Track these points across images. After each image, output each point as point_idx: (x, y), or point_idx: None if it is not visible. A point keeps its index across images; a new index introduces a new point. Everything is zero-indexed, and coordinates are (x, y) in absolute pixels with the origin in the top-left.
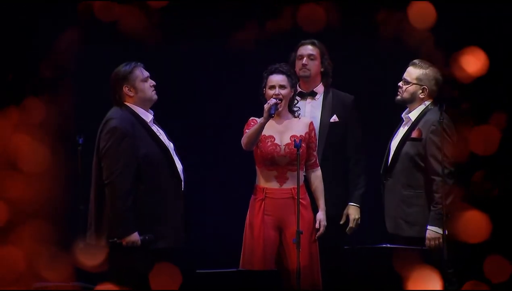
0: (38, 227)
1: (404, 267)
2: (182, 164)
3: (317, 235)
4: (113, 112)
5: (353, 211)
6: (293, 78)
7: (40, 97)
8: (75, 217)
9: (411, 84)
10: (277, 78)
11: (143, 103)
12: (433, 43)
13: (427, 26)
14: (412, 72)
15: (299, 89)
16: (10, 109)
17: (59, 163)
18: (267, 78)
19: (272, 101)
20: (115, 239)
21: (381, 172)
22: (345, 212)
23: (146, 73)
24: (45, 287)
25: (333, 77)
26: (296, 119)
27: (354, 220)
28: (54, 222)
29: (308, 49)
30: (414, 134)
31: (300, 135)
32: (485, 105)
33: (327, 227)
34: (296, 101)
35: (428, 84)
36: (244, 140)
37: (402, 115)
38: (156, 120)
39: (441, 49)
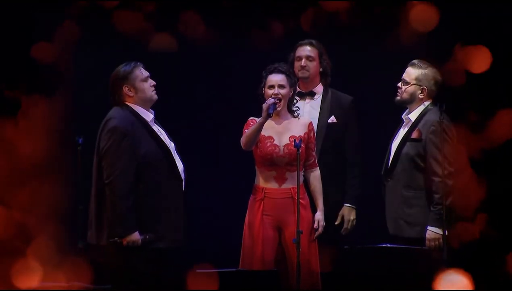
0: (45, 229)
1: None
2: (183, 164)
3: (315, 235)
4: (114, 112)
5: (348, 212)
6: (292, 77)
7: (39, 99)
8: (75, 217)
9: (410, 84)
10: (276, 78)
11: (143, 103)
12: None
13: (428, 28)
14: (411, 72)
15: (298, 89)
16: (10, 112)
17: (59, 164)
18: (266, 77)
19: (271, 101)
20: (116, 238)
21: (382, 173)
22: (340, 212)
23: (146, 73)
24: (44, 287)
25: (333, 77)
26: (295, 120)
27: (349, 221)
28: (55, 222)
29: (306, 50)
30: (414, 135)
31: (299, 136)
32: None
33: (326, 227)
34: (295, 101)
35: (427, 84)
36: (243, 140)
37: (402, 116)
38: (157, 119)
39: (441, 49)
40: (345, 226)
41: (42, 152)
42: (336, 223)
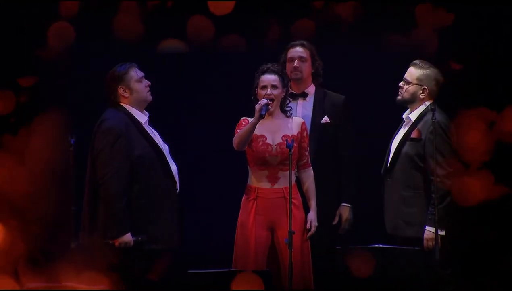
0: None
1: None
2: (176, 165)
3: (308, 235)
4: (108, 113)
5: (345, 211)
6: (285, 78)
7: (33, 99)
8: (67, 218)
9: (411, 84)
10: (269, 78)
11: (138, 104)
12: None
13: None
14: (413, 72)
15: (290, 90)
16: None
17: (53, 164)
18: (259, 78)
19: (263, 101)
20: (109, 239)
21: (381, 172)
22: (337, 212)
23: (141, 74)
24: (37, 287)
25: (325, 77)
26: (288, 119)
27: (346, 220)
28: (47, 223)
29: (298, 51)
30: (414, 134)
31: (292, 135)
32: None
33: (319, 227)
34: (288, 101)
35: (428, 84)
36: (235, 140)
37: (403, 116)
38: (151, 122)
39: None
40: (342, 225)
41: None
42: (334, 222)
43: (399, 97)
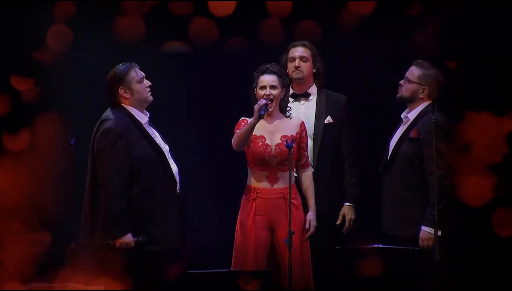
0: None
1: None
2: (177, 166)
3: (307, 235)
4: (108, 113)
5: (349, 211)
6: (284, 78)
7: (33, 99)
8: (67, 218)
9: (412, 83)
10: (268, 79)
11: (139, 105)
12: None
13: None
14: (414, 71)
15: (292, 91)
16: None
17: (53, 164)
18: (258, 78)
19: (262, 102)
20: (109, 240)
21: (380, 171)
22: (341, 212)
23: (142, 74)
24: (38, 287)
25: (327, 77)
26: (287, 119)
27: (350, 220)
28: (46, 223)
29: (299, 51)
30: (412, 134)
31: (291, 136)
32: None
33: (319, 227)
34: (287, 101)
35: (429, 84)
36: (234, 140)
37: (402, 115)
38: (152, 122)
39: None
40: (346, 225)
41: (36, 152)
42: (338, 222)
43: (398, 94)
